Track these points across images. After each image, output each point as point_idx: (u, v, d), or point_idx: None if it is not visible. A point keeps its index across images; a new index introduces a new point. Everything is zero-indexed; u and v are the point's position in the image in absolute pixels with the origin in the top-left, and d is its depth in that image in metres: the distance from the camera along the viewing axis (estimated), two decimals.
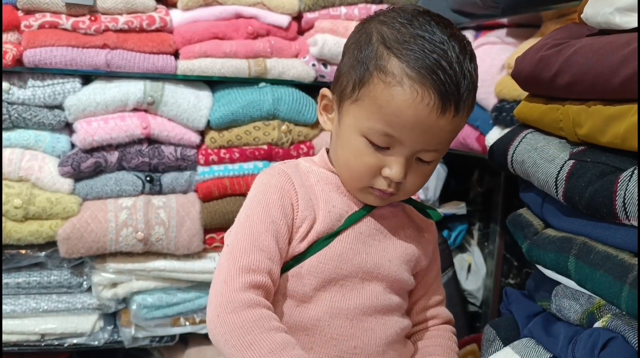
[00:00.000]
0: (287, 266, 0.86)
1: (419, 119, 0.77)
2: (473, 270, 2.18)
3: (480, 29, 1.80)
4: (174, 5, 1.67)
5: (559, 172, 0.82)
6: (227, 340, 0.74)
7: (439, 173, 2.01)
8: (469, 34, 1.79)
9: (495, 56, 1.65)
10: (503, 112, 1.55)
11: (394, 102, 0.77)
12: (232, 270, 0.78)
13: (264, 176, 0.88)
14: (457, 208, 2.13)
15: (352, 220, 0.87)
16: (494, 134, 1.58)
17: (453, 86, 0.76)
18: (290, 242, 0.85)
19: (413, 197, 0.94)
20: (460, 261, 2.20)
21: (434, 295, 0.99)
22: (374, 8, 1.71)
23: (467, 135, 1.78)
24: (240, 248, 0.80)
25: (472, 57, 0.81)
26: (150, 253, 1.62)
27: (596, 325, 0.77)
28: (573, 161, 0.82)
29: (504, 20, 1.69)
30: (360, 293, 0.86)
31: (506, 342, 0.93)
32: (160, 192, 1.64)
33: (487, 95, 1.66)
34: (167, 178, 1.64)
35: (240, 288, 0.76)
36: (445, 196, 2.09)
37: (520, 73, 0.92)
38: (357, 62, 0.82)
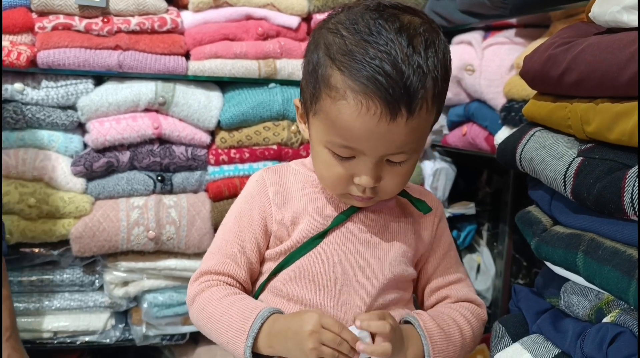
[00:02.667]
0: (278, 267, 0.88)
1: (369, 130, 0.75)
2: (482, 270, 2.18)
3: (488, 30, 1.80)
4: (185, 7, 1.69)
5: (567, 169, 0.83)
6: (199, 324, 0.88)
7: (448, 173, 2.01)
8: (477, 35, 1.80)
9: (504, 56, 1.66)
10: (512, 112, 1.55)
11: (341, 116, 0.75)
12: (196, 273, 0.90)
13: (246, 184, 0.94)
14: (466, 208, 2.13)
15: (340, 220, 0.88)
16: (503, 134, 1.59)
17: (399, 88, 0.72)
18: (272, 246, 0.90)
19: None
20: (469, 261, 2.21)
21: (444, 275, 0.95)
22: None
23: (475, 135, 1.78)
24: (209, 253, 0.91)
25: (429, 44, 0.75)
26: (161, 252, 1.64)
27: (605, 320, 0.78)
28: (581, 158, 0.82)
29: (513, 20, 1.69)
30: (356, 294, 0.87)
31: (515, 338, 0.93)
32: (171, 191, 1.66)
33: (495, 95, 1.66)
34: (178, 178, 1.66)
35: (198, 284, 0.88)
36: (454, 196, 2.09)
37: (529, 71, 0.93)
38: (309, 75, 0.81)
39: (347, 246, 0.88)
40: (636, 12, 0.76)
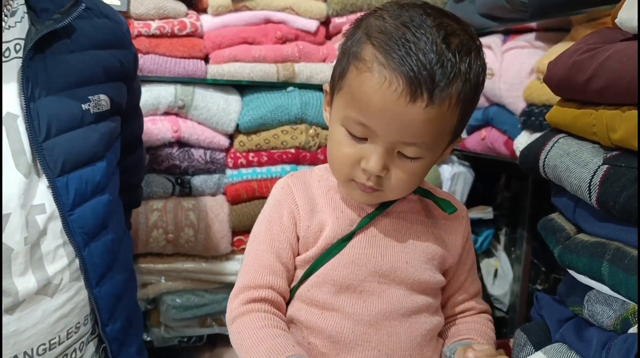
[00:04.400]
0: (305, 274, 0.88)
1: (386, 106, 0.74)
2: (500, 275, 2.17)
3: (508, 33, 1.79)
4: (205, 11, 1.69)
5: (592, 177, 0.82)
6: (235, 345, 0.85)
7: (466, 177, 2.00)
8: (496, 38, 1.79)
9: (524, 60, 1.64)
10: (532, 116, 1.54)
11: (362, 88, 0.76)
12: (236, 288, 0.89)
13: (272, 192, 0.93)
14: (484, 212, 2.11)
15: (364, 223, 0.87)
16: (523, 139, 1.57)
17: (425, 72, 0.72)
18: (300, 253, 0.89)
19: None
20: (486, 266, 2.19)
21: (469, 288, 0.97)
22: None
23: (494, 139, 1.77)
24: (245, 266, 0.90)
25: (464, 50, 0.76)
26: (179, 254, 1.65)
27: (631, 330, 0.77)
28: (607, 166, 0.81)
29: (533, 24, 1.67)
30: (381, 298, 0.86)
31: (537, 346, 0.93)
32: (189, 194, 1.67)
33: (515, 99, 1.65)
34: (197, 181, 1.67)
35: (239, 303, 0.86)
36: (472, 200, 2.08)
37: (553, 77, 0.92)
38: (342, 53, 0.82)
39: (372, 250, 0.87)
40: None
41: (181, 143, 1.65)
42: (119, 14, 1.13)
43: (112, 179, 1.04)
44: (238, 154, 1.69)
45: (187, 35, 1.63)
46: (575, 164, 0.86)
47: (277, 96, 1.71)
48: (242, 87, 1.75)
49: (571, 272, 0.89)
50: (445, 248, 0.92)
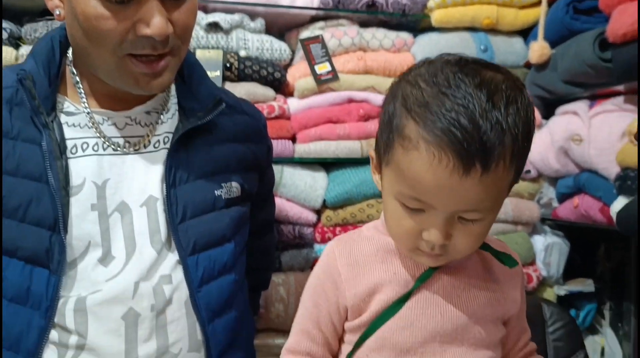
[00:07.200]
0: (360, 338, 0.85)
1: (440, 183, 0.71)
2: (607, 353, 2.01)
3: (595, 98, 1.76)
4: (291, 94, 1.79)
5: None
6: None
7: (561, 248, 1.91)
8: (582, 104, 1.76)
9: (613, 124, 1.61)
10: (627, 180, 1.48)
11: (412, 167, 0.73)
12: (284, 348, 0.90)
13: (319, 259, 0.93)
14: (584, 285, 2.00)
15: (421, 280, 0.83)
16: (620, 204, 1.51)
17: (475, 143, 0.69)
18: (350, 318, 0.87)
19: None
20: (592, 344, 2.04)
21: (526, 332, 0.94)
22: None
23: (589, 206, 1.71)
24: (293, 326, 0.91)
25: (510, 101, 0.72)
26: (270, 329, 1.66)
27: None
28: None
29: (620, 87, 1.64)
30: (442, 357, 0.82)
31: None
32: (279, 270, 1.70)
33: (608, 164, 1.60)
34: (286, 256, 1.70)
35: None
36: (570, 272, 1.98)
37: None
38: (384, 125, 0.79)
39: (431, 309, 0.83)
40: None
41: None
42: (259, 111, 1.25)
43: (239, 261, 1.10)
44: (325, 229, 1.72)
45: (276, 117, 1.72)
46: None
47: (361, 171, 1.74)
48: (328, 165, 1.80)
49: None
50: (505, 301, 0.88)
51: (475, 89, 0.71)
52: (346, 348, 0.89)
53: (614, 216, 1.53)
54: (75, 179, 0.96)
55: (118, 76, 0.93)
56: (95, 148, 0.99)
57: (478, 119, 0.69)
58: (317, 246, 1.73)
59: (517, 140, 0.72)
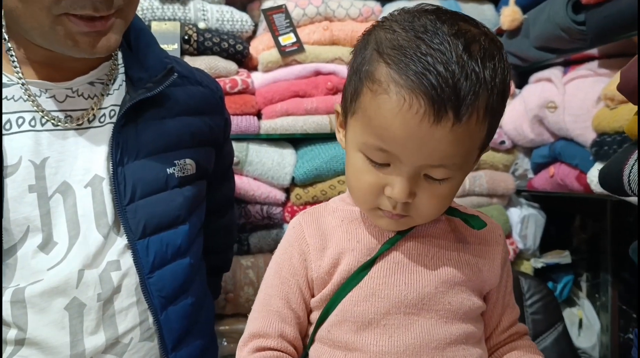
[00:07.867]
0: (322, 314, 0.81)
1: (409, 131, 0.67)
2: (585, 325, 1.99)
3: (568, 64, 1.72)
4: (255, 68, 1.71)
5: None
6: None
7: (537, 220, 1.88)
8: (556, 70, 1.71)
9: (588, 89, 1.56)
10: (604, 146, 1.44)
11: (380, 112, 0.68)
12: (244, 336, 0.83)
13: (285, 233, 0.87)
14: (561, 257, 1.97)
15: (384, 249, 0.79)
16: (597, 171, 1.47)
17: (449, 89, 0.65)
18: (315, 294, 0.82)
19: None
20: (569, 316, 2.02)
21: (512, 312, 0.88)
22: None
23: (565, 175, 1.66)
24: (254, 312, 0.85)
25: (487, 55, 0.68)
26: (240, 314, 1.60)
27: None
28: None
29: (594, 52, 1.60)
30: (409, 331, 0.77)
31: None
32: (248, 252, 1.63)
33: (583, 131, 1.56)
34: (255, 238, 1.64)
35: (249, 352, 0.81)
36: (547, 244, 1.95)
37: (629, 84, 0.84)
38: (353, 74, 0.75)
39: (394, 278, 0.78)
40: None
41: (237, 200, 1.63)
42: (215, 82, 1.17)
43: (195, 243, 1.03)
44: (295, 208, 1.65)
45: (239, 92, 1.64)
46: None
47: (331, 147, 1.68)
48: (296, 141, 1.73)
49: None
50: (479, 271, 0.82)
51: (453, 37, 0.67)
52: (310, 330, 0.84)
53: (592, 183, 1.49)
54: (10, 158, 0.87)
55: (54, 38, 0.84)
56: (32, 123, 0.90)
57: (454, 66, 0.65)
58: (286, 227, 1.65)
59: (492, 94, 0.69)
